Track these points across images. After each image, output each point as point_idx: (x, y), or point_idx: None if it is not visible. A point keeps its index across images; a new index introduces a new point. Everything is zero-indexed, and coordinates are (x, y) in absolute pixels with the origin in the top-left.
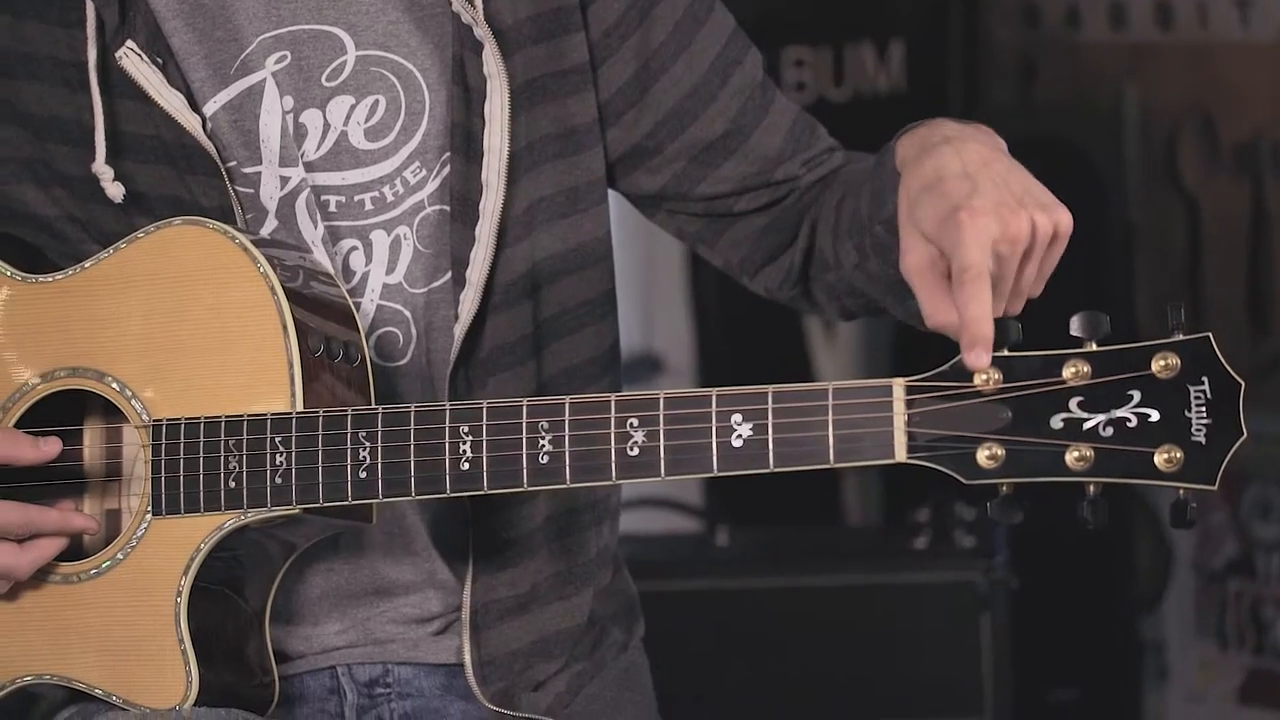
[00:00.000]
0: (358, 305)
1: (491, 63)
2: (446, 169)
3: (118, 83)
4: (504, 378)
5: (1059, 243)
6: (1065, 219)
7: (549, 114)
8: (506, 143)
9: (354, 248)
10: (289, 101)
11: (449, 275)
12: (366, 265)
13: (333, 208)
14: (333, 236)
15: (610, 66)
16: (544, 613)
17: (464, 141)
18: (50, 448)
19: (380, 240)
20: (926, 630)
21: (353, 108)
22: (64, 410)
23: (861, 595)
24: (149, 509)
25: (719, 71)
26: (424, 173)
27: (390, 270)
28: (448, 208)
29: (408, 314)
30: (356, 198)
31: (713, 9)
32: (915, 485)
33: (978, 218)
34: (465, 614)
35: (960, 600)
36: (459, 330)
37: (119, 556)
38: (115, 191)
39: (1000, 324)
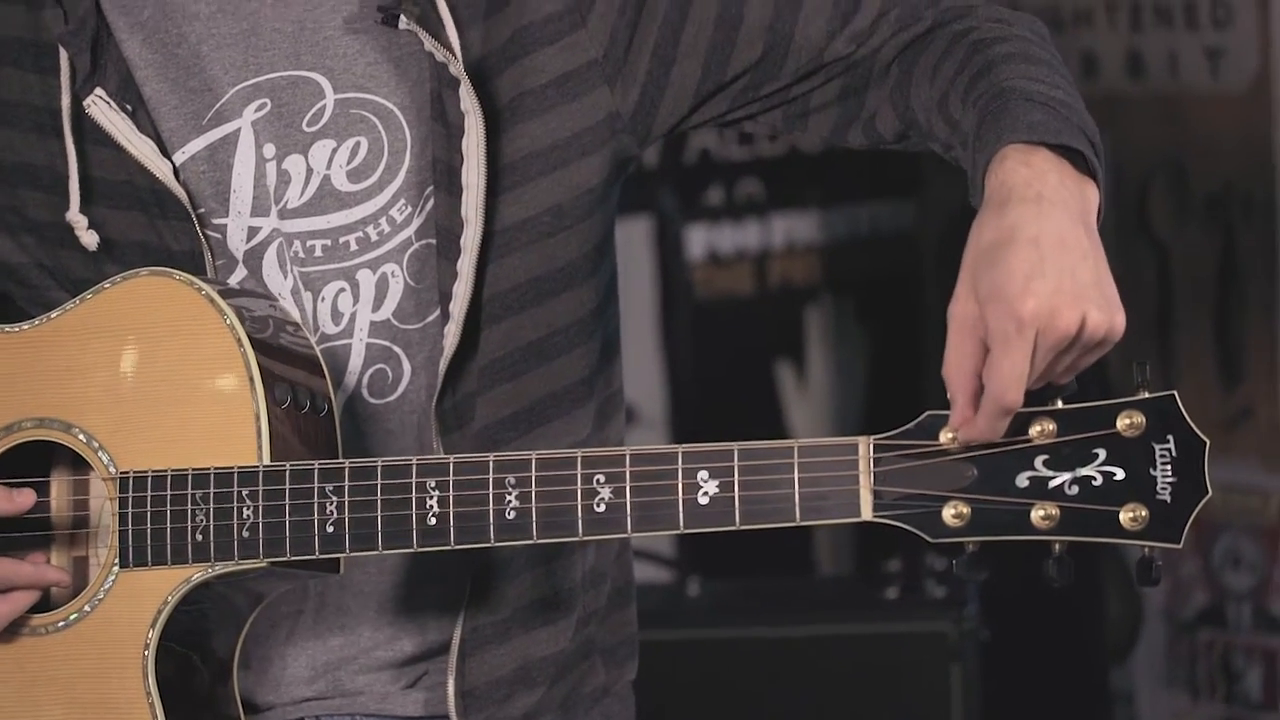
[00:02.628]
0: (349, 346)
1: (467, 99)
2: (430, 203)
3: (90, 129)
4: (486, 399)
5: (1105, 345)
6: (1120, 323)
7: (524, 134)
8: (483, 179)
9: (341, 289)
10: (270, 149)
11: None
12: (354, 305)
13: (318, 252)
14: (320, 280)
15: (635, 49)
16: (528, 639)
17: (446, 177)
18: (24, 499)
19: (366, 279)
20: (897, 680)
21: (334, 151)
22: (31, 461)
23: (833, 645)
24: (116, 561)
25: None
26: (410, 209)
27: (377, 308)
28: (434, 241)
29: (398, 350)
30: (341, 239)
31: None
32: (887, 536)
33: (1028, 305)
34: (455, 642)
35: (931, 651)
36: (443, 364)
37: (86, 609)
38: (90, 240)
39: None
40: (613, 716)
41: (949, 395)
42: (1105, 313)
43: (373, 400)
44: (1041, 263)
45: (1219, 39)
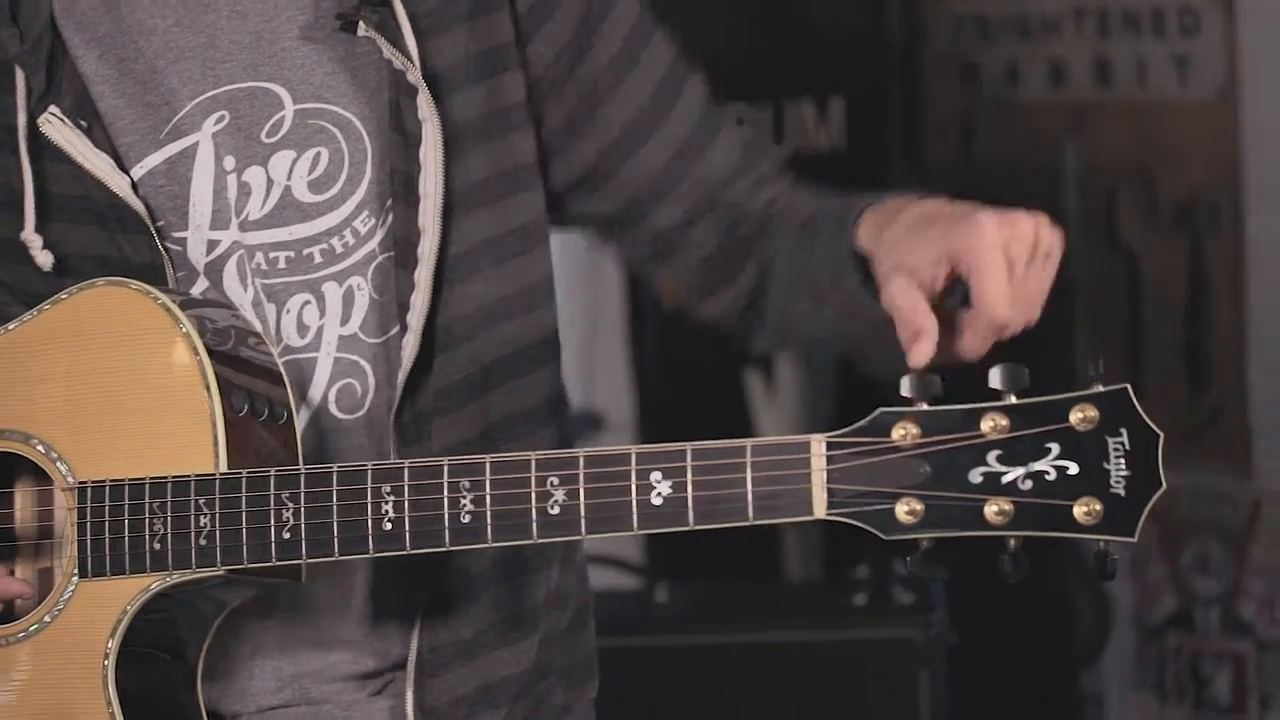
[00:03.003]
0: (314, 360)
1: (425, 108)
2: (390, 215)
3: (47, 146)
4: (447, 420)
5: (1053, 258)
6: (1059, 238)
7: (489, 153)
8: (441, 187)
9: (306, 302)
10: (230, 161)
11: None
12: (321, 319)
13: (282, 263)
14: (285, 292)
15: (556, 97)
16: (490, 658)
17: (404, 187)
18: None
19: (332, 292)
20: (866, 686)
21: (294, 162)
22: None
23: (801, 651)
24: (75, 571)
25: (666, 93)
26: (373, 221)
27: (345, 321)
28: (394, 254)
29: (365, 365)
30: (305, 251)
31: (655, 32)
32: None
33: (985, 218)
34: (411, 660)
35: (899, 656)
36: (401, 376)
37: (46, 619)
38: (44, 260)
39: (923, 378)
40: None
41: (905, 333)
42: (1044, 223)
43: (341, 415)
44: (970, 208)
45: (1186, 46)
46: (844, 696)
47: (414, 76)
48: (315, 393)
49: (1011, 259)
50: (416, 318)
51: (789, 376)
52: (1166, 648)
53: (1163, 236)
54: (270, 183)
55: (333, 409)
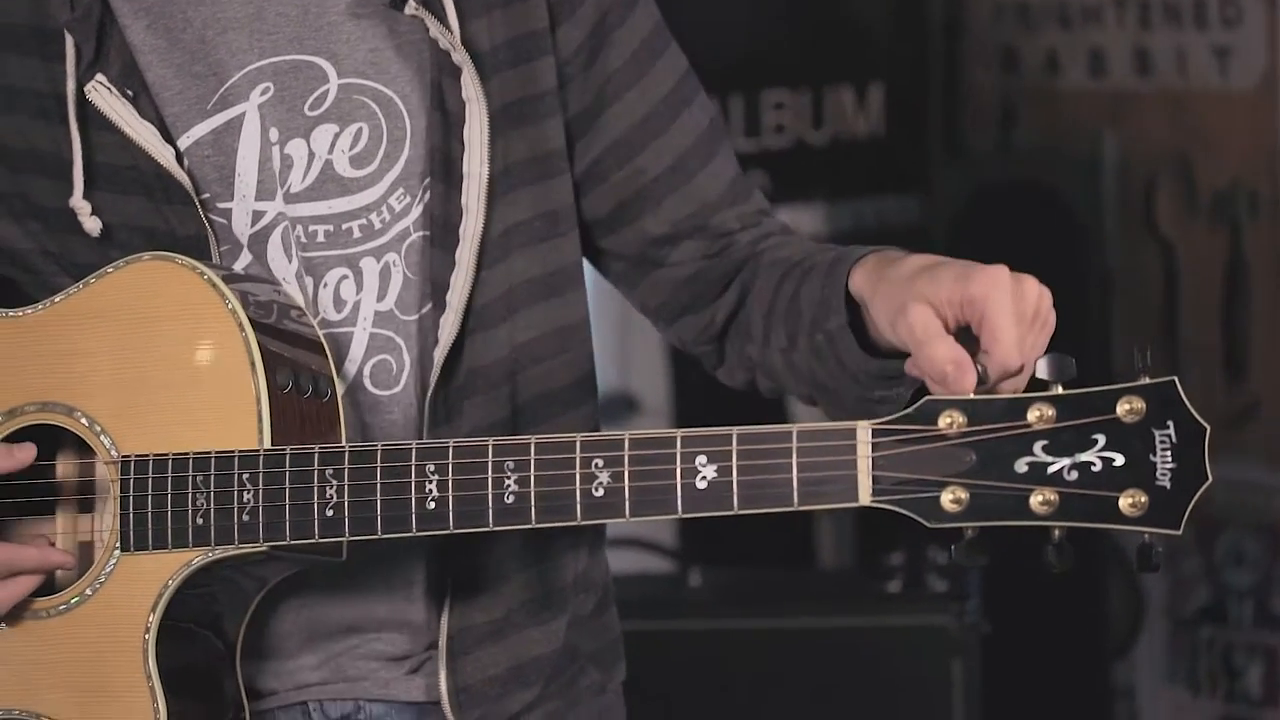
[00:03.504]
0: (350, 334)
1: (470, 87)
2: (428, 194)
3: (95, 115)
4: (478, 401)
5: (1048, 327)
6: (1053, 312)
7: (525, 137)
8: (486, 166)
9: (344, 276)
10: (274, 133)
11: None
12: (358, 294)
13: (320, 237)
14: (323, 266)
15: (570, 91)
16: (520, 638)
17: (443, 166)
18: (23, 454)
19: (370, 268)
20: (898, 674)
21: (336, 136)
22: (37, 443)
23: (834, 638)
24: (118, 545)
25: (671, 106)
26: (408, 199)
27: (381, 298)
28: (429, 233)
29: (400, 341)
30: (344, 226)
31: (669, 45)
32: (888, 528)
33: (998, 270)
34: (442, 641)
35: (932, 644)
36: (439, 354)
37: (88, 592)
38: (93, 225)
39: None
40: (606, 712)
41: (926, 362)
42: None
43: (375, 391)
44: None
45: (1228, 37)
46: (877, 683)
47: (459, 56)
48: (350, 368)
49: (1021, 313)
50: (458, 297)
51: None
52: (1199, 640)
53: (1201, 226)
54: (312, 155)
55: (368, 384)
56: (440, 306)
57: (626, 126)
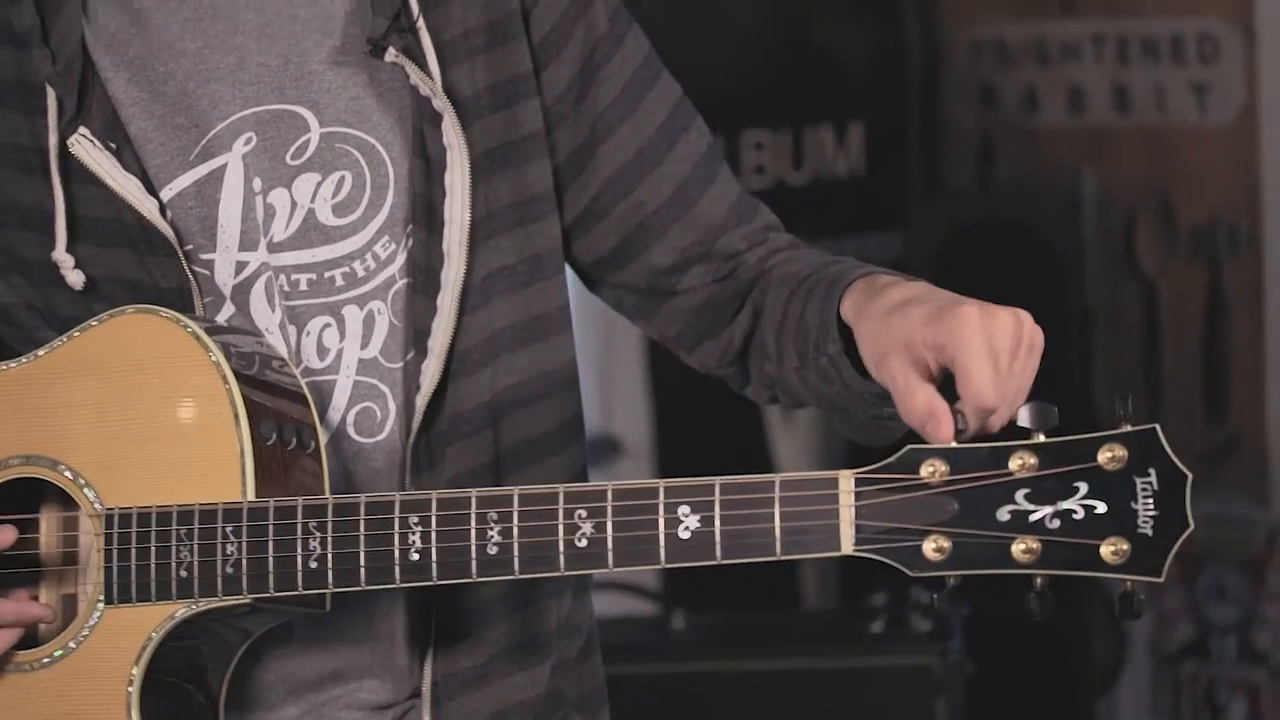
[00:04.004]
0: (334, 382)
1: (451, 133)
2: (411, 241)
3: (77, 169)
4: (461, 446)
5: (1036, 352)
6: (1040, 334)
7: (507, 182)
8: (468, 212)
9: (327, 325)
10: (258, 183)
11: None
12: (341, 341)
13: (304, 285)
14: (306, 314)
15: (561, 131)
16: (504, 684)
17: (425, 213)
18: (6, 535)
19: (353, 315)
20: (883, 714)
21: (319, 185)
22: (20, 498)
23: (818, 679)
24: (101, 597)
25: (666, 136)
26: (393, 246)
27: (365, 345)
28: (412, 279)
29: (384, 389)
30: (327, 274)
31: (660, 75)
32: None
33: (970, 310)
34: (426, 688)
35: (916, 684)
36: (420, 401)
37: (71, 645)
38: (75, 279)
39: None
40: None
41: (907, 412)
42: (1025, 318)
43: (359, 439)
44: (954, 296)
45: (1205, 74)
46: None
47: (440, 103)
48: (334, 416)
49: (995, 350)
50: (439, 343)
51: None
52: (1182, 676)
53: (1181, 262)
54: (294, 205)
55: (352, 432)
56: (423, 353)
57: (622, 161)
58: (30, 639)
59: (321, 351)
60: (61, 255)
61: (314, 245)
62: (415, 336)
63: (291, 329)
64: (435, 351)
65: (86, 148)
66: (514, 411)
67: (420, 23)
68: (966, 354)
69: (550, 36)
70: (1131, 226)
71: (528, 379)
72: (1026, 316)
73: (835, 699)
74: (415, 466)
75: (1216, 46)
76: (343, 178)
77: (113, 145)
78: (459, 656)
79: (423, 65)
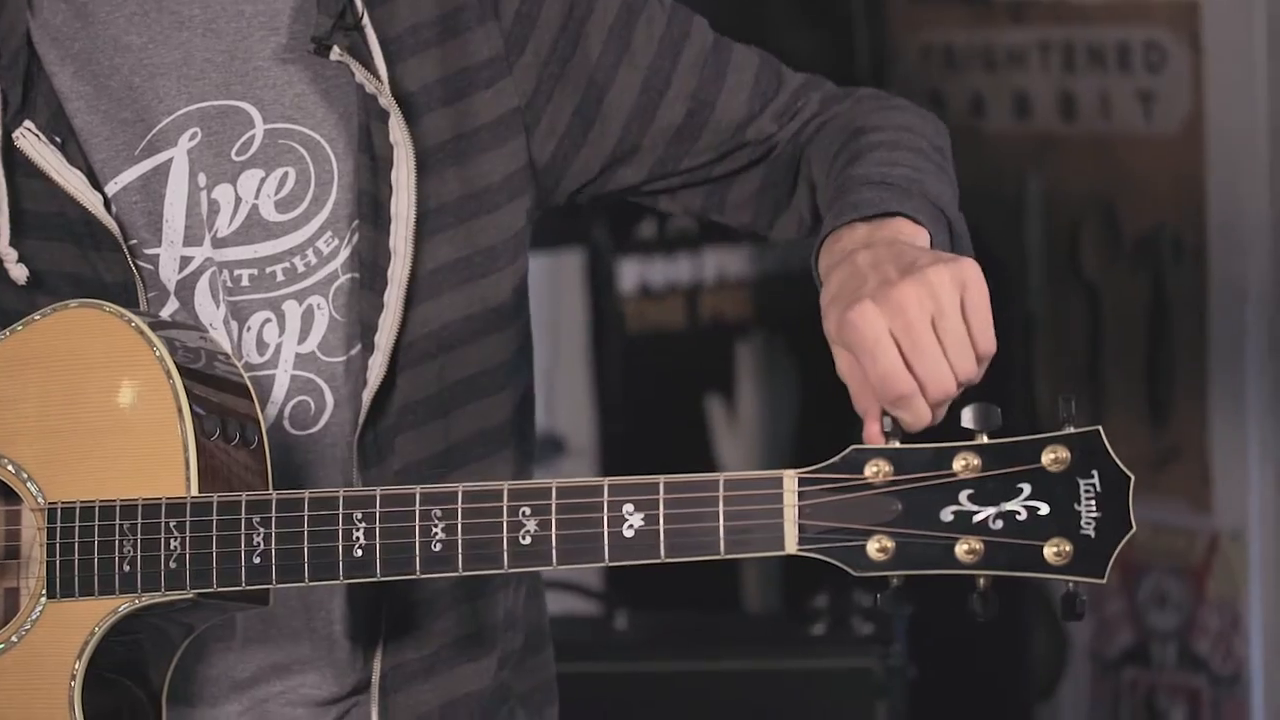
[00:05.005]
0: (272, 376)
1: (397, 131)
2: (356, 236)
3: (21, 162)
4: (410, 436)
5: (971, 290)
6: (960, 268)
7: (459, 176)
8: (413, 209)
9: (267, 320)
10: (202, 178)
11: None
12: (280, 336)
13: (245, 281)
14: (248, 309)
15: (559, 94)
16: (451, 675)
17: (372, 209)
18: None
19: (292, 310)
20: (824, 716)
21: (263, 180)
22: None
23: (759, 680)
24: (44, 592)
25: (666, 56)
26: (336, 241)
27: (302, 340)
28: (358, 275)
29: (320, 382)
30: (268, 269)
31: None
32: (813, 572)
33: (856, 312)
34: (375, 678)
35: (857, 687)
36: (366, 395)
37: (13, 639)
38: (19, 273)
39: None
40: None
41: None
42: (937, 270)
43: (294, 431)
44: (858, 283)
45: (1152, 82)
46: None
47: (385, 100)
48: (272, 410)
49: (906, 326)
50: (385, 338)
51: (750, 403)
52: (1122, 682)
53: (1125, 269)
54: (239, 200)
55: (287, 425)
56: (370, 348)
57: (631, 102)
58: None
59: (261, 346)
60: (5, 249)
61: (256, 241)
62: (362, 332)
63: (234, 324)
64: (381, 347)
65: (31, 141)
66: (465, 404)
67: (366, 20)
68: (863, 357)
69: (522, 8)
70: (1076, 233)
71: (478, 372)
72: (940, 278)
73: (776, 700)
74: (363, 461)
75: (1163, 56)
76: (286, 174)
77: (58, 139)
78: (407, 648)
79: (368, 63)
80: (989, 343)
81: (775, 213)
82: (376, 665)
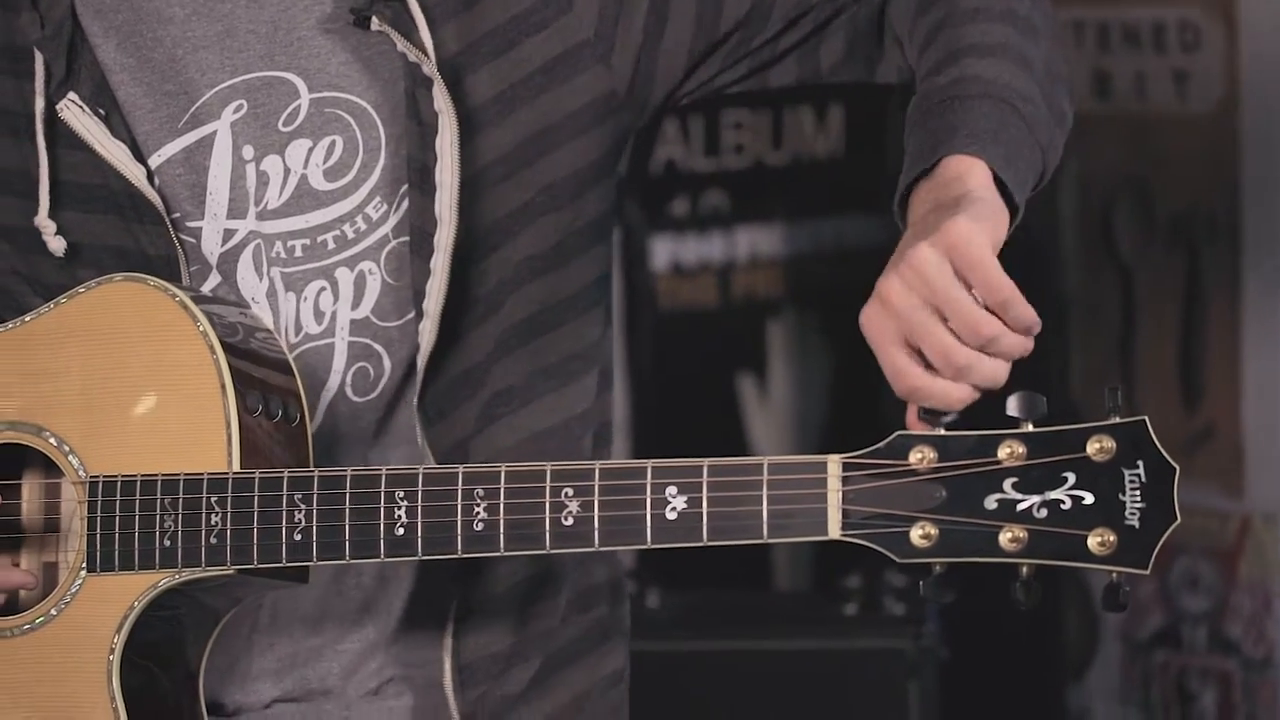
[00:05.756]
0: (331, 345)
1: (440, 98)
2: (406, 202)
3: (65, 134)
4: (465, 395)
5: (959, 251)
6: (942, 235)
7: (513, 125)
8: (457, 178)
9: (322, 288)
10: (249, 150)
11: None
12: (334, 303)
13: (299, 252)
14: (302, 280)
15: (623, 25)
16: (523, 614)
17: (419, 176)
18: None
19: (345, 277)
20: (855, 697)
21: (310, 150)
22: (4, 464)
23: (791, 660)
24: (84, 565)
25: None
26: (385, 207)
27: (355, 305)
28: (410, 239)
29: (378, 348)
30: (320, 238)
31: None
32: (846, 551)
33: (861, 317)
34: (451, 622)
35: (889, 668)
36: (420, 361)
37: (52, 612)
38: (56, 245)
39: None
40: (619, 707)
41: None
42: (921, 249)
43: (355, 398)
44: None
45: (1186, 61)
46: (833, 706)
47: (429, 68)
48: (334, 379)
49: (898, 320)
50: (434, 304)
51: (782, 382)
52: (1153, 664)
53: (1159, 249)
54: (288, 171)
55: (349, 393)
56: (420, 314)
57: (695, 3)
58: (10, 605)
59: (319, 316)
60: (44, 221)
61: (306, 211)
62: (414, 298)
63: (289, 295)
64: (430, 313)
65: (75, 113)
66: (547, 331)
67: None
68: (879, 356)
69: None
70: (1110, 213)
71: (557, 301)
72: (919, 257)
73: (808, 680)
74: (426, 421)
75: (1198, 35)
76: (334, 142)
77: (101, 111)
78: (475, 592)
79: (410, 33)
80: (998, 292)
81: (870, 65)
82: (452, 608)
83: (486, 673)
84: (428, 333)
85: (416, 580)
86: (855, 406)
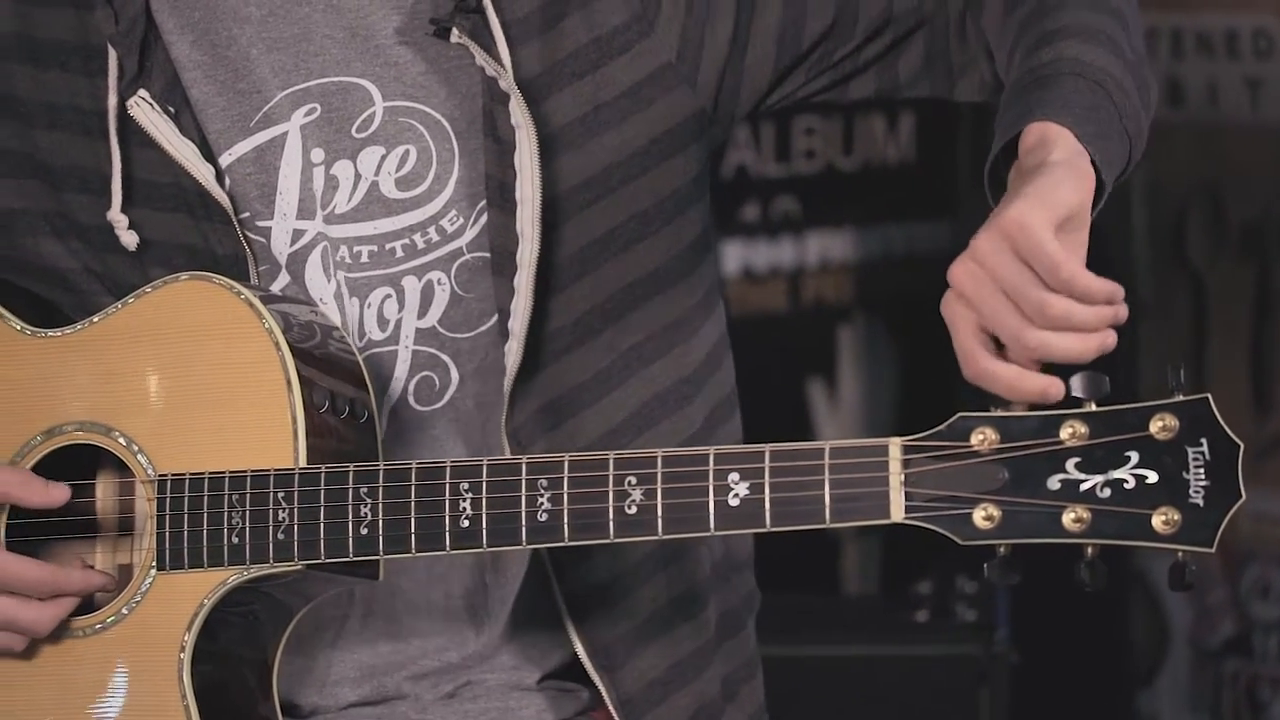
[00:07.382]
0: (395, 352)
1: (518, 114)
2: (484, 218)
3: (137, 132)
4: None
5: (1017, 238)
6: (1001, 221)
7: (597, 148)
8: (538, 193)
9: (387, 296)
10: (319, 154)
11: (494, 320)
12: (400, 311)
13: (365, 258)
14: (367, 286)
15: (708, 46)
16: (671, 636)
17: (498, 193)
18: (58, 493)
19: (411, 285)
20: (925, 704)
21: (383, 158)
22: (77, 464)
23: (861, 666)
24: (154, 564)
25: None
26: (461, 220)
27: (422, 315)
28: (488, 255)
29: (445, 358)
30: (388, 246)
31: None
32: (917, 556)
33: (943, 308)
34: (587, 660)
35: (960, 674)
36: (507, 383)
37: (124, 612)
38: (129, 239)
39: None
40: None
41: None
42: (978, 239)
43: (418, 407)
44: None
45: (1260, 69)
46: (904, 713)
47: (506, 83)
48: (396, 386)
49: (972, 308)
50: (519, 323)
51: (851, 387)
52: (1224, 672)
53: (1230, 258)
54: (358, 177)
55: (411, 401)
56: (505, 334)
57: (778, 19)
58: (84, 606)
59: (382, 323)
60: (116, 215)
61: (375, 217)
62: (499, 316)
63: (353, 300)
64: (515, 333)
65: (145, 110)
66: (630, 377)
67: (487, 2)
68: (954, 342)
69: None
70: (1182, 220)
71: (645, 338)
72: (981, 245)
73: (878, 687)
74: (514, 446)
75: (1271, 43)
76: (407, 151)
77: (171, 109)
78: (616, 624)
79: (489, 47)
80: (1056, 272)
81: (951, 79)
82: (580, 649)
83: (648, 700)
84: (513, 353)
85: (521, 583)
86: (925, 411)
